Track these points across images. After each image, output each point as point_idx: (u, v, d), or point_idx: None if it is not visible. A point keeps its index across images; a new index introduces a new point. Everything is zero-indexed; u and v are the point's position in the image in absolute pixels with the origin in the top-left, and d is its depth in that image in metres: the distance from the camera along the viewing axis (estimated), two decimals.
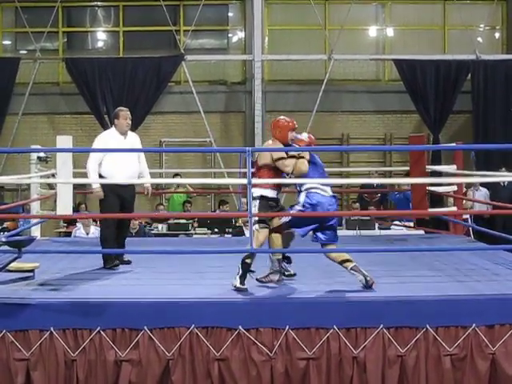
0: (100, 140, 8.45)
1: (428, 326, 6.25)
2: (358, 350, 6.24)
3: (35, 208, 11.01)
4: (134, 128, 17.10)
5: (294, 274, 7.49)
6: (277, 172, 7.20)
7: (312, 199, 7.01)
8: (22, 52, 19.22)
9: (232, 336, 6.23)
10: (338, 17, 18.71)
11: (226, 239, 12.82)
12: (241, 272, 6.89)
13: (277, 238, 7.27)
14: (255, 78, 17.99)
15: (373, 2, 19.50)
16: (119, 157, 8.20)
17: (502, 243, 8.88)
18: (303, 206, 7.04)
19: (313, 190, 7.05)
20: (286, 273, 7.45)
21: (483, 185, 15.51)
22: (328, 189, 7.12)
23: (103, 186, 8.22)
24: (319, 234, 7.05)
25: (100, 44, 19.85)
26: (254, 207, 7.02)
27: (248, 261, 6.95)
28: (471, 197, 13.96)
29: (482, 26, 19.15)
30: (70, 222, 15.06)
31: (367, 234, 12.89)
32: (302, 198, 7.06)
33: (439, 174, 12.02)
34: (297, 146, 7.29)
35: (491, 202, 13.50)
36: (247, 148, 7.00)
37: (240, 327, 6.22)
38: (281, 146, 7.26)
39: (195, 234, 13.98)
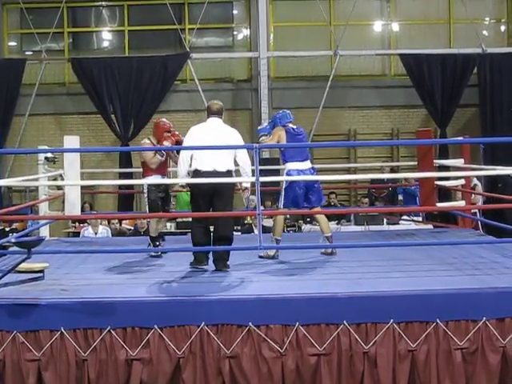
0: None
1: (438, 320, 6.23)
2: (369, 345, 6.23)
3: (43, 208, 11.03)
4: (141, 127, 17.47)
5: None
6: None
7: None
8: (27, 53, 19.23)
9: (242, 333, 6.21)
10: (343, 12, 18.67)
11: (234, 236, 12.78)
12: None
13: (280, 221, 8.55)
14: (261, 75, 18.00)
15: None
16: None
17: None
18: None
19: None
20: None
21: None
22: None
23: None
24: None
25: (105, 44, 19.85)
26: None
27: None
28: (480, 191, 13.90)
29: (487, 19, 19.11)
30: (79, 221, 15.09)
31: (376, 229, 12.86)
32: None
33: (447, 168, 11.99)
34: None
35: (501, 196, 13.41)
36: (255, 145, 7.02)
37: (250, 324, 6.21)
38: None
39: None
